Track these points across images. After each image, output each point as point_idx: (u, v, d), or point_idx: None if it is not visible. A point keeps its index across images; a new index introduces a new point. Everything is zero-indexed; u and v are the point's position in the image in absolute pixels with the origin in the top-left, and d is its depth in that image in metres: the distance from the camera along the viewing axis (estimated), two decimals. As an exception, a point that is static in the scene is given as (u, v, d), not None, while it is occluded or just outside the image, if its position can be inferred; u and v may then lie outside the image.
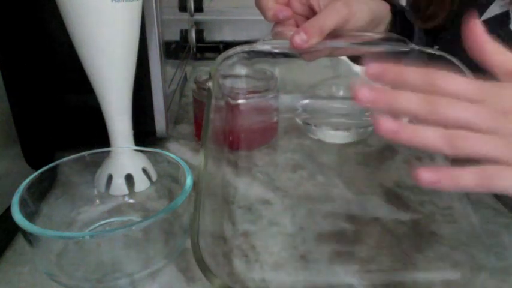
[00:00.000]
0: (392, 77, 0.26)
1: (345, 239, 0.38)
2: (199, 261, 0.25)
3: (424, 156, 0.47)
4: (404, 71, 0.26)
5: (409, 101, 0.25)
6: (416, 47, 0.43)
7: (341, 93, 0.70)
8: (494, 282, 0.33)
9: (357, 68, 1.04)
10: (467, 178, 0.24)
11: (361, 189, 0.46)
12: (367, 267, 0.34)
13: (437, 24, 0.52)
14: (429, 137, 0.25)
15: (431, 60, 0.42)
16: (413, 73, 0.26)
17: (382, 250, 0.36)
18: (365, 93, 0.25)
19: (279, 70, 0.62)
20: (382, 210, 0.42)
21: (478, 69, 0.29)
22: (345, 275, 0.33)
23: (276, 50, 0.44)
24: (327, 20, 0.40)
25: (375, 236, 0.38)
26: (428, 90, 0.25)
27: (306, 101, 0.67)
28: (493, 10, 0.45)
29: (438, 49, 0.54)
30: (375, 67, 0.26)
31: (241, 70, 0.60)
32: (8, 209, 0.31)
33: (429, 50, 0.43)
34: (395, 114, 0.25)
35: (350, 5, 0.42)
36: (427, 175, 0.24)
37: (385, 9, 0.49)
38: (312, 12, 0.45)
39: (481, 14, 0.46)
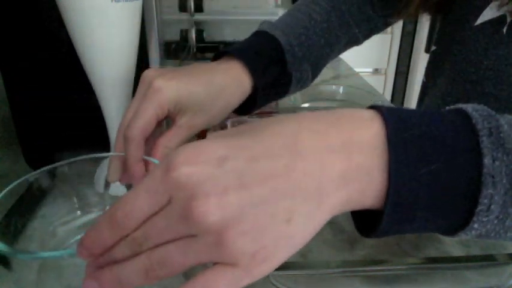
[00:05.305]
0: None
1: (345, 237, 0.38)
2: None
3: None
4: (95, 236, 0.22)
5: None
6: None
7: (341, 93, 0.70)
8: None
9: (358, 68, 1.04)
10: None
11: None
12: (367, 266, 0.34)
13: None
14: (130, 279, 0.22)
15: None
16: (103, 230, 0.22)
17: (382, 249, 0.36)
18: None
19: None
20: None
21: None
22: (345, 273, 0.33)
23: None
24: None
25: (375, 236, 0.38)
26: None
27: (306, 103, 0.67)
28: (489, 13, 0.43)
29: (435, 50, 0.54)
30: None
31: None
32: (9, 209, 0.31)
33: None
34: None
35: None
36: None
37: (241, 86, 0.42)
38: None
39: (476, 16, 0.44)
